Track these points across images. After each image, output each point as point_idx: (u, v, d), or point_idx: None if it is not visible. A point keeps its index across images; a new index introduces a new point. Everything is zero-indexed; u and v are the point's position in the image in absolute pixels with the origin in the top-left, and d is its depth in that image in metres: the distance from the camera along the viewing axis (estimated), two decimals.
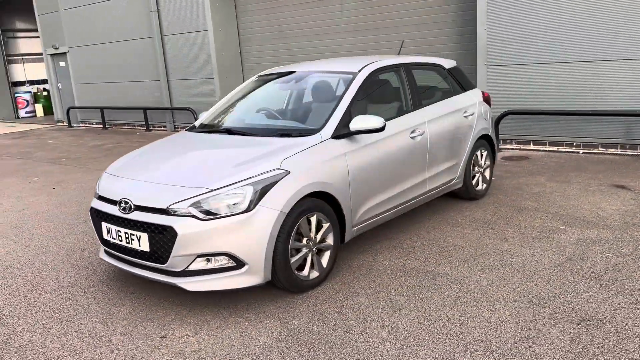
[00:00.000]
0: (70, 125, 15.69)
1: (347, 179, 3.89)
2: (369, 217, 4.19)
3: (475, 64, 8.51)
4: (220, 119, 4.71)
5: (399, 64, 4.78)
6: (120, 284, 4.01)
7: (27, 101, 19.47)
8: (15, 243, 5.12)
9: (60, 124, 16.58)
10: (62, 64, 16.04)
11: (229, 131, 4.29)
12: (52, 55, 16.17)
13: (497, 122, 8.03)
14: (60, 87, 16.50)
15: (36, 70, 19.72)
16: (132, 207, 3.50)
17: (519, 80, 8.04)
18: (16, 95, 19.37)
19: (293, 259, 3.54)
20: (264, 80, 5.02)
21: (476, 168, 5.55)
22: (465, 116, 5.27)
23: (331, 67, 4.67)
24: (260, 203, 3.35)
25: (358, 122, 3.95)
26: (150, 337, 3.23)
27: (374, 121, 3.94)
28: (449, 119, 5.03)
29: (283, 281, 3.51)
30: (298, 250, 3.60)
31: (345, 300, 3.54)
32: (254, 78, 5.16)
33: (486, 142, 5.67)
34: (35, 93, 19.86)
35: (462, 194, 5.51)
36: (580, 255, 4.04)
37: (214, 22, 11.67)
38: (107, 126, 14.79)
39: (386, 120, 4.38)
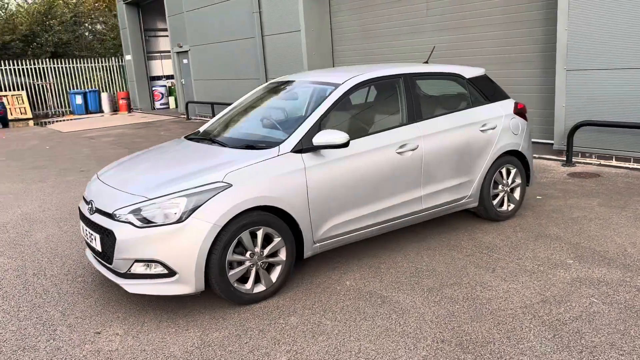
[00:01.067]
0: (188, 118, 17.04)
1: (305, 194, 3.82)
2: (337, 233, 4.07)
3: (554, 68, 7.71)
4: (214, 127, 4.85)
5: (397, 74, 4.52)
6: (102, 277, 4.35)
7: (162, 94, 21.52)
8: (59, 229, 5.77)
9: (182, 116, 18.07)
10: (185, 61, 17.46)
11: (212, 140, 4.42)
12: (177, 53, 17.66)
13: (570, 134, 7.22)
14: (183, 83, 17.98)
15: (171, 66, 21.63)
16: (94, 209, 3.79)
17: (602, 87, 7.11)
18: (153, 88, 21.52)
19: (231, 272, 3.58)
20: (267, 89, 5.07)
21: (499, 187, 5.08)
22: (483, 130, 4.84)
23: (322, 78, 4.57)
24: (193, 215, 3.43)
25: (321, 137, 3.84)
26: (87, 332, 3.49)
27: (336, 136, 3.80)
28: (457, 133, 4.66)
29: (220, 293, 3.57)
30: (241, 263, 3.64)
31: (277, 319, 3.50)
32: (262, 86, 5.23)
33: (517, 158, 5.15)
34: (169, 87, 21.89)
35: (481, 213, 5.08)
36: (560, 298, 3.55)
37: (306, 22, 11.90)
38: None
39: (370, 134, 4.24)
